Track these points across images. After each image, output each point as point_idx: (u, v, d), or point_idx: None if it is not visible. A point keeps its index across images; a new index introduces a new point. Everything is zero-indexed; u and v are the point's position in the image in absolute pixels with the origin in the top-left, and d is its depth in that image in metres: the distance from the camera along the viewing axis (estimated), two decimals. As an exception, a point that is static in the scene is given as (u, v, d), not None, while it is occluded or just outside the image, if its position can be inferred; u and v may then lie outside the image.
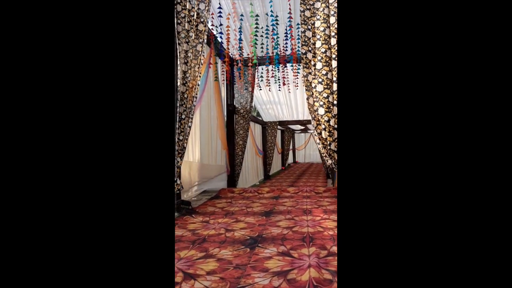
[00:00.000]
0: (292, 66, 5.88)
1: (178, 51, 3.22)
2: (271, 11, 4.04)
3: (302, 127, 12.85)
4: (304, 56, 3.49)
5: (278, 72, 5.87)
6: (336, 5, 3.18)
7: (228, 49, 4.87)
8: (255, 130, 9.22)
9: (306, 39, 3.46)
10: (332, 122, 3.38)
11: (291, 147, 16.31)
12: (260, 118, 9.97)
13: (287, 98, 8.74)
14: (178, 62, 3.23)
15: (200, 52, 3.46)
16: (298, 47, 4.67)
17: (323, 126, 3.45)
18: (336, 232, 2.44)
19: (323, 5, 3.33)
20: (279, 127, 11.21)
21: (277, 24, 4.05)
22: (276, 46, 4.42)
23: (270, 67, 5.98)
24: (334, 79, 3.28)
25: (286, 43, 4.61)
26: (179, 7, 3.24)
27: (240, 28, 4.38)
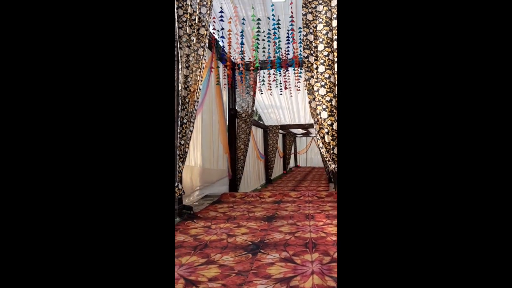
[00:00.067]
0: (294, 70, 5.87)
1: (179, 55, 3.21)
2: (273, 15, 4.04)
3: (304, 131, 12.82)
4: (306, 59, 3.48)
5: (280, 76, 5.86)
6: (338, 8, 3.17)
7: (230, 53, 4.86)
8: (257, 134, 9.20)
9: (308, 43, 3.45)
10: (335, 126, 3.36)
11: (292, 151, 16.27)
12: (261, 122, 9.96)
13: (289, 102, 8.73)
14: (180, 67, 3.22)
15: (201, 56, 3.45)
16: (300, 51, 4.66)
17: (326, 130, 3.42)
18: (339, 237, 2.40)
19: (325, 8, 3.32)
20: (280, 131, 11.18)
21: (278, 27, 4.04)
22: (277, 50, 4.41)
23: (271, 71, 5.97)
24: (337, 82, 3.26)
25: (288, 47, 4.60)
26: (180, 11, 3.24)
27: (241, 32, 4.37)
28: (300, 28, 4.32)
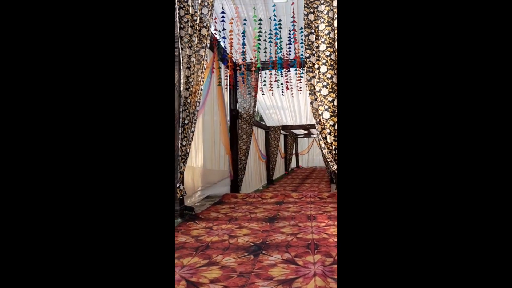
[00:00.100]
0: (296, 70, 5.86)
1: (181, 56, 3.21)
2: (274, 15, 4.03)
3: (305, 132, 12.80)
4: (308, 60, 3.46)
5: (282, 76, 5.85)
6: (340, 8, 3.16)
7: (231, 53, 4.86)
8: (258, 134, 9.19)
9: (309, 43, 3.44)
10: (337, 127, 3.34)
11: (294, 151, 16.26)
12: (263, 123, 9.95)
13: (290, 102, 8.72)
14: (181, 67, 3.21)
15: (203, 57, 3.44)
16: (302, 51, 4.64)
17: (328, 131, 3.41)
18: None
19: (327, 8, 3.30)
20: (282, 131, 11.17)
21: (280, 28, 4.03)
22: (279, 51, 4.40)
23: (273, 72, 5.96)
24: (339, 83, 3.24)
25: (290, 47, 4.59)
26: (182, 12, 3.23)
27: (243, 32, 4.36)
28: (301, 28, 4.31)
